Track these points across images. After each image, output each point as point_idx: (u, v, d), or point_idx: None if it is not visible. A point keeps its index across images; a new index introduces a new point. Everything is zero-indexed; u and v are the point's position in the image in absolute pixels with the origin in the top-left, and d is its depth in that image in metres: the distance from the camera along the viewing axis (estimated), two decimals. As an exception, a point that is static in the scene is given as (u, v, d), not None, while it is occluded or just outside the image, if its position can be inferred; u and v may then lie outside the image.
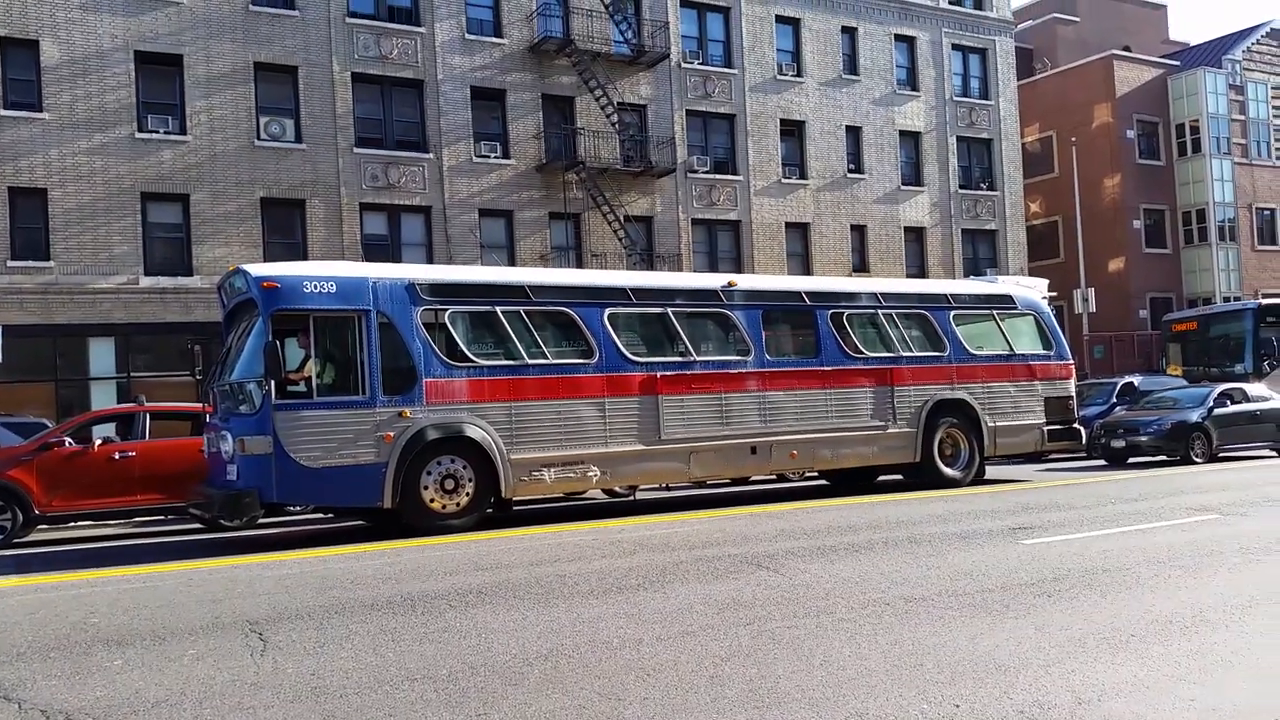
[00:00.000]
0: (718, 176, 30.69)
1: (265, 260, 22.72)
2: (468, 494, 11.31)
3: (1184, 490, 13.04)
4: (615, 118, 28.26)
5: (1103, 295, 36.86)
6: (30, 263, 22.00)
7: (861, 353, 14.10)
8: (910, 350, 14.51)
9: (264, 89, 24.75)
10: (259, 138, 24.51)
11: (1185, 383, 24.14)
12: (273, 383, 10.37)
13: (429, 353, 11.28)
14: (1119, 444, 19.12)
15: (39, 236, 22.10)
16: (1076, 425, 15.86)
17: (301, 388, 10.80)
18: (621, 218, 28.01)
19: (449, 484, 11.25)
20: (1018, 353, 15.38)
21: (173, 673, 5.13)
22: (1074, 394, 15.94)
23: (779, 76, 31.92)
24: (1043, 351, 15.64)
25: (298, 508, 12.40)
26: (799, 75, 32.34)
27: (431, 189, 26.45)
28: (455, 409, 11.33)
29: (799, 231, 32.09)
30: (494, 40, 27.54)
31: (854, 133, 33.22)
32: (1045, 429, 15.32)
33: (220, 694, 4.70)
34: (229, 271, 11.86)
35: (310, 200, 24.96)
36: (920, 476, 14.47)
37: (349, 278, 11.23)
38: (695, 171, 30.23)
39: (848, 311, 14.24)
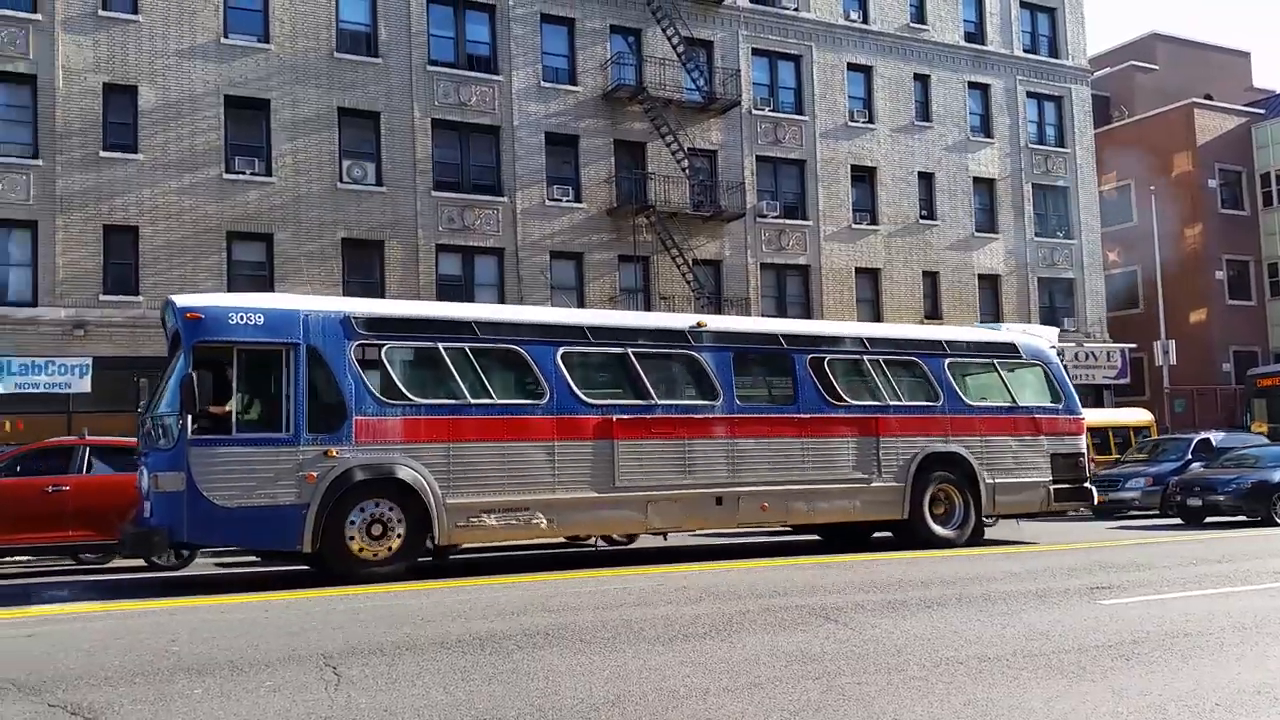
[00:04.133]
0: (787, 221, 30.75)
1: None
2: (398, 539, 10.67)
3: (1269, 553, 12.55)
4: (686, 163, 28.56)
5: (1184, 348, 35.85)
6: (120, 297, 22.90)
7: (844, 400, 13.21)
8: (899, 399, 13.58)
9: (347, 133, 25.58)
10: (341, 180, 25.30)
11: (1266, 440, 23.27)
12: (188, 417, 9.91)
13: (361, 389, 10.69)
14: (1195, 502, 18.47)
15: (129, 272, 23.02)
16: (1087, 485, 14.72)
17: (224, 423, 10.30)
18: (690, 261, 28.18)
19: (376, 529, 10.60)
20: (1021, 405, 14.34)
21: (249, 703, 5.25)
22: (1085, 450, 14.79)
23: (850, 123, 31.98)
24: (1050, 404, 14.57)
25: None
26: (870, 121, 32.36)
27: (505, 231, 26.96)
28: (387, 449, 10.72)
29: (869, 277, 31.93)
30: (568, 88, 28.11)
31: (926, 179, 33.06)
32: (1051, 487, 14.19)
33: (296, 727, 4.80)
34: (165, 302, 11.30)
35: (389, 241, 25.62)
36: (908, 535, 13.46)
37: (278, 309, 10.80)
38: (764, 216, 30.34)
39: (829, 356, 13.38)
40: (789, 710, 4.98)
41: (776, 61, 31.49)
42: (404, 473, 10.70)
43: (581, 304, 26.83)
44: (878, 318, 30.85)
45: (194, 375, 9.99)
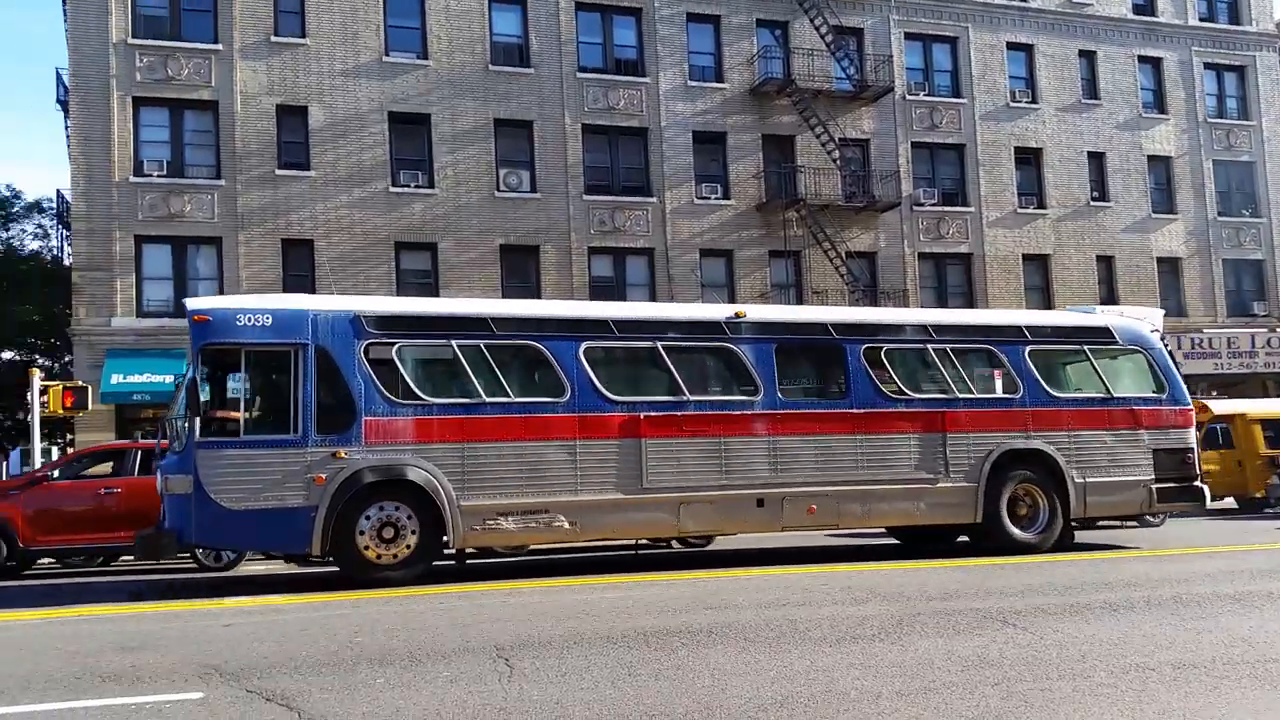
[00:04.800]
0: (946, 209, 29.74)
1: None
2: (411, 542, 10.40)
3: None
4: (836, 154, 28.03)
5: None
6: (299, 308, 24.26)
7: (904, 394, 12.19)
8: (970, 391, 12.41)
9: (502, 143, 26.33)
10: (498, 189, 26.06)
11: None
12: (196, 419, 9.92)
13: (371, 389, 10.44)
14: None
15: (306, 284, 24.36)
16: (1198, 484, 13.09)
17: (231, 425, 10.36)
18: (843, 254, 27.65)
19: (388, 532, 10.34)
20: (1116, 396, 12.87)
21: (429, 693, 5.45)
22: (1193, 445, 13.14)
23: (1012, 104, 30.65)
24: (1152, 395, 13.04)
25: None
26: (1034, 102, 30.92)
27: (654, 231, 27.15)
28: (399, 450, 10.44)
29: (1038, 264, 30.52)
30: (715, 85, 28.06)
31: (1096, 159, 31.34)
32: (1154, 487, 12.67)
33: (472, 716, 4.95)
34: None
35: (544, 246, 26.23)
36: (984, 540, 12.36)
37: (286, 310, 10.64)
38: (921, 204, 29.44)
39: (887, 346, 12.39)
40: (967, 717, 4.79)
41: (931, 45, 30.50)
42: (415, 474, 10.43)
43: (732, 301, 26.73)
44: (1048, 306, 29.42)
45: (197, 377, 10.04)
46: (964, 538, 13.23)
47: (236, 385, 10.56)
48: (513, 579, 10.83)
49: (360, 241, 24.91)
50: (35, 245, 33.08)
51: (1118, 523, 16.14)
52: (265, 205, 24.40)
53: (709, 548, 14.46)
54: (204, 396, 10.10)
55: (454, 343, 11.01)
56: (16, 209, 32.74)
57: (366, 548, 10.30)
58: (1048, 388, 12.68)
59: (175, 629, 7.84)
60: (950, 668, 5.83)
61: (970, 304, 29.01)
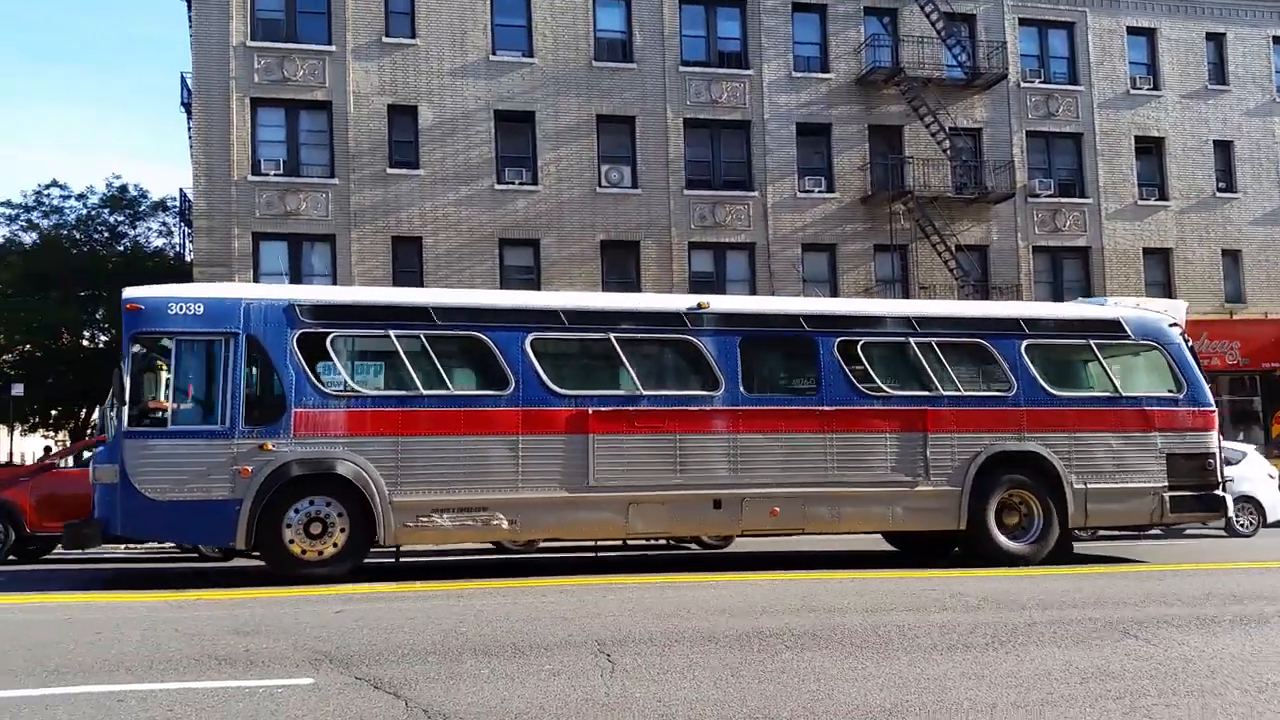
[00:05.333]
0: (1062, 200, 28.66)
1: (603, 298, 24.13)
2: (338, 540, 10.11)
3: None
4: (947, 144, 27.27)
5: None
6: (407, 302, 24.84)
7: (881, 390, 11.44)
8: (956, 389, 11.58)
9: (605, 139, 26.43)
10: (600, 185, 26.19)
11: None
12: (124, 409, 9.87)
13: (303, 380, 10.17)
14: None
15: (415, 280, 24.91)
16: (1219, 492, 11.94)
17: (160, 415, 10.20)
18: (953, 247, 26.89)
19: (315, 527, 10.06)
20: (1125, 395, 11.91)
21: (532, 685, 5.47)
22: (1215, 450, 12.02)
23: (1132, 91, 29.33)
24: (1168, 394, 12.04)
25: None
26: (1155, 88, 29.53)
27: (755, 226, 26.89)
28: (329, 443, 10.15)
29: (1159, 258, 29.17)
30: (820, 76, 27.61)
31: (1223, 148, 29.75)
32: (1167, 495, 11.64)
33: (575, 711, 4.94)
34: None
35: (644, 241, 26.25)
36: (969, 548, 11.58)
37: (218, 299, 10.49)
38: (1037, 195, 28.43)
39: (864, 339, 11.63)
40: (1090, 732, 4.55)
41: (1046, 31, 29.40)
42: (345, 468, 10.12)
43: (835, 295, 26.29)
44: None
45: (122, 367, 9.98)
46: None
47: (167, 375, 10.34)
48: (571, 575, 10.85)
49: (466, 238, 25.36)
50: (160, 242, 34.66)
51: (1134, 533, 15.05)
52: (376, 203, 25.04)
53: (727, 549, 14.06)
54: (133, 386, 10.02)
55: (392, 333, 10.71)
56: (143, 208, 34.34)
57: (292, 542, 10.04)
58: (1046, 385, 11.76)
59: (287, 615, 8.07)
60: (1069, 679, 5.57)
61: (1088, 298, 27.91)
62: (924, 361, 11.65)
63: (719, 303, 11.86)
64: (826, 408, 11.27)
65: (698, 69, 27.00)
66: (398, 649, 6.50)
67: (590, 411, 10.74)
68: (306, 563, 10.08)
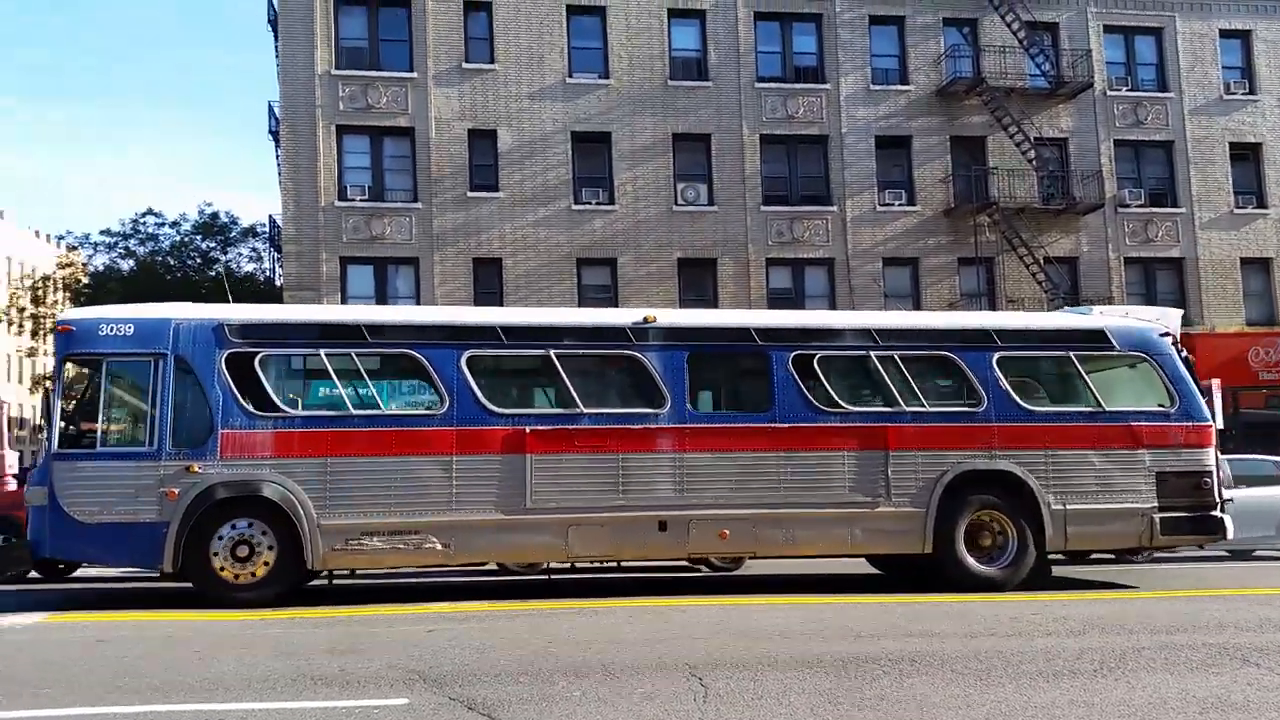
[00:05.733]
0: (1154, 210, 27.78)
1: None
2: (266, 563, 9.92)
3: None
4: (1032, 154, 26.67)
5: None
6: (487, 323, 25.15)
7: (839, 406, 10.88)
8: (920, 404, 10.97)
9: (680, 157, 26.48)
10: (676, 203, 26.22)
11: None
12: (53, 432, 9.90)
13: (230, 400, 10.00)
14: None
15: (495, 301, 25.24)
16: (1216, 513, 11.12)
17: (89, 437, 10.19)
18: (1040, 260, 26.22)
19: (242, 550, 9.87)
20: (1109, 409, 11.17)
21: (625, 709, 5.39)
22: (1212, 468, 11.20)
23: (1226, 96, 28.34)
24: (1158, 409, 11.26)
25: None
26: (1251, 93, 28.50)
27: (834, 241, 26.61)
28: (256, 465, 9.98)
29: (1259, 268, 28.09)
30: (898, 88, 27.28)
31: (1328, 151, 28.53)
32: (1156, 516, 10.89)
33: (671, 739, 4.85)
34: None
35: (721, 258, 26.18)
36: (937, 572, 10.89)
37: (148, 319, 10.33)
38: (1127, 205, 27.61)
39: (821, 354, 11.03)
40: (1218, 769, 4.30)
41: (1132, 37, 28.62)
42: (270, 490, 9.92)
43: (919, 310, 25.83)
44: (1271, 314, 26.98)
45: (57, 389, 10.08)
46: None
47: (98, 396, 10.28)
48: (639, 596, 10.72)
49: (545, 259, 25.59)
50: (250, 267, 35.80)
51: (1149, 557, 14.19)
52: (458, 226, 25.45)
53: (738, 572, 13.65)
54: (64, 408, 10.10)
55: (323, 352, 10.53)
56: (234, 234, 35.54)
57: (221, 568, 9.89)
58: (1019, 400, 11.09)
59: (380, 633, 8.15)
60: (1186, 709, 5.29)
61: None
62: (886, 376, 11.06)
63: (668, 316, 11.50)
64: (779, 425, 10.76)
65: (773, 84, 26.90)
66: (490, 669, 6.49)
67: (528, 431, 10.40)
68: (234, 586, 9.91)
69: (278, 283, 28.35)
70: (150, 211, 35.32)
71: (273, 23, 26.75)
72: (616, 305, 25.05)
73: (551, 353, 10.69)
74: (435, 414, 10.38)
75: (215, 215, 35.36)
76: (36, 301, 39.97)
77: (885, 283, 26.58)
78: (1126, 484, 11.01)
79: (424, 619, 8.96)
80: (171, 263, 34.65)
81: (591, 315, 12.60)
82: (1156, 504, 10.97)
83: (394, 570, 12.89)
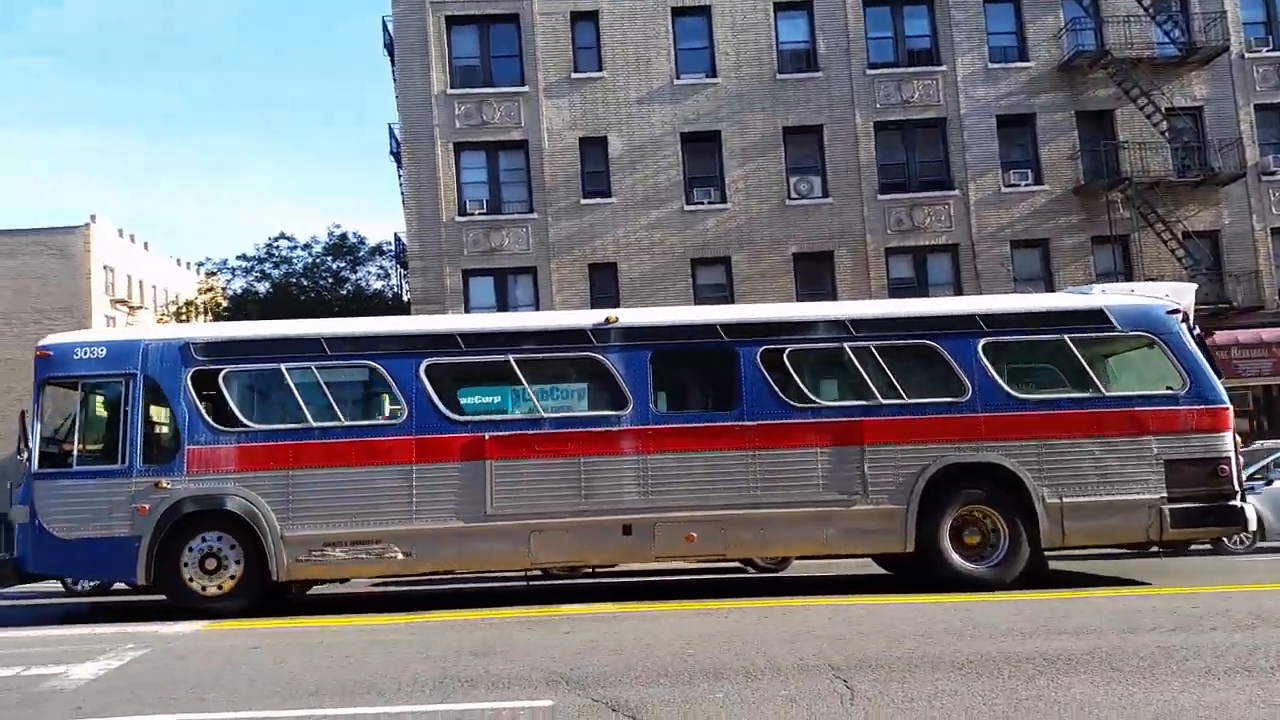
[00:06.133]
0: (1303, 176, 25.99)
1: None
2: (234, 575, 10.20)
3: None
4: (1164, 125, 25.33)
5: None
6: (606, 328, 25.36)
7: (810, 401, 10.53)
8: (899, 396, 10.50)
9: (792, 151, 26.18)
10: (789, 197, 25.92)
11: None
12: (33, 452, 10.32)
13: (195, 417, 10.36)
14: None
15: (612, 304, 25.39)
16: (1235, 503, 10.27)
17: (67, 456, 10.55)
18: (1179, 235, 24.87)
19: (210, 563, 10.20)
20: (1110, 395, 10.52)
21: (769, 712, 5.31)
22: (1229, 453, 10.31)
23: (1383, 47, 26.31)
24: (1165, 392, 10.50)
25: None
26: None
27: (957, 226, 25.84)
28: (221, 479, 10.26)
29: None
30: (1019, 65, 26.32)
31: None
32: (1165, 508, 10.15)
33: (820, 741, 4.74)
34: None
35: (838, 250, 25.74)
36: (925, 572, 10.44)
37: (119, 341, 10.93)
38: (1272, 173, 25.93)
39: (791, 348, 10.66)
40: None
41: (1273, -8, 26.89)
42: (234, 503, 10.20)
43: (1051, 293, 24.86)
44: None
45: (35, 410, 10.49)
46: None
47: (74, 417, 10.72)
48: (737, 597, 10.53)
49: (659, 260, 25.66)
50: (378, 285, 37.05)
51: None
52: (572, 233, 25.77)
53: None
54: (42, 429, 10.48)
55: (283, 366, 10.67)
56: (362, 253, 36.84)
57: (191, 579, 10.20)
58: (1007, 388, 10.51)
59: (519, 636, 8.26)
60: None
61: (1343, 281, 25.16)
62: (861, 368, 10.66)
63: (630, 316, 11.30)
64: (747, 423, 10.46)
65: (886, 70, 26.32)
66: (630, 671, 6.49)
67: (487, 437, 10.39)
68: (204, 597, 10.20)
69: (405, 298, 29.26)
70: (283, 235, 36.92)
71: (389, 48, 27.64)
72: (732, 303, 24.92)
73: (511, 358, 10.70)
74: (394, 424, 10.52)
75: (344, 236, 36.74)
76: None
77: (1014, 266, 25.67)
78: (1131, 474, 10.30)
79: (558, 621, 9.05)
80: (305, 283, 36.13)
81: (551, 319, 12.32)
82: (1165, 494, 10.23)
83: (506, 574, 13.12)
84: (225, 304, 38.52)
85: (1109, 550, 12.05)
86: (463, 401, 10.99)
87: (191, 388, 10.51)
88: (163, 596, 10.57)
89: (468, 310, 25.45)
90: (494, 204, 26.17)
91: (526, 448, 10.41)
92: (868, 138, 26.08)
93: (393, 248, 33.65)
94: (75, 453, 10.59)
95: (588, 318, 11.27)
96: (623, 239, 25.79)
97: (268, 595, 10.50)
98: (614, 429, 10.47)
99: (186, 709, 5.95)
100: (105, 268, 58.59)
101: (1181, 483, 10.26)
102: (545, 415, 10.60)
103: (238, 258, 36.74)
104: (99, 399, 10.83)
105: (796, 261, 25.78)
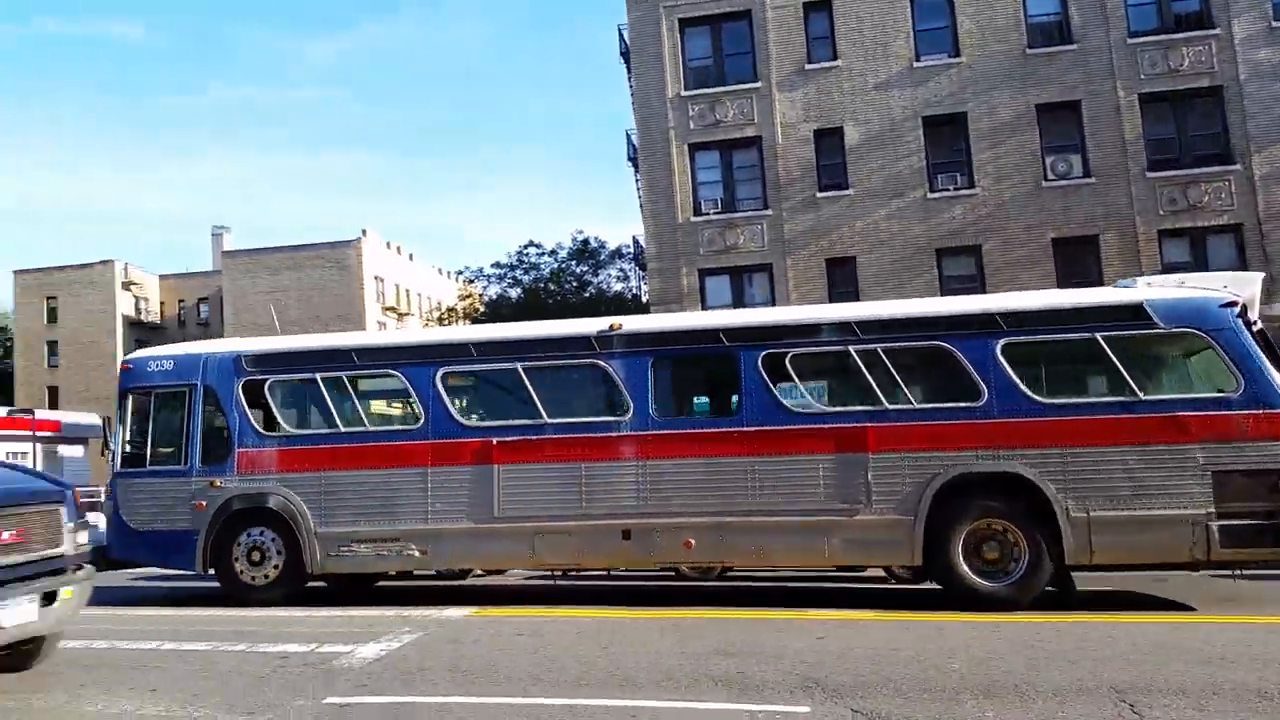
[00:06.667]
0: None
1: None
2: (275, 566, 11.15)
3: None
4: None
5: None
6: (846, 323, 24.79)
7: (812, 407, 10.24)
8: (908, 401, 9.94)
9: (1047, 130, 24.52)
10: (1045, 178, 24.31)
11: None
12: (116, 454, 11.74)
13: (244, 423, 11.42)
14: None
15: (851, 298, 24.82)
16: None
17: (143, 458, 11.73)
18: None
19: (255, 555, 11.21)
20: (1146, 398, 9.40)
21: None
22: None
23: None
24: (1214, 395, 9.28)
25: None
26: None
27: (1241, 204, 23.29)
28: (265, 479, 11.26)
29: None
30: (1313, 18, 23.37)
31: None
32: (1212, 525, 8.92)
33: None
34: None
35: (1103, 234, 23.87)
36: (942, 587, 9.77)
37: (185, 355, 12.04)
38: None
39: (794, 352, 10.33)
40: None
41: None
42: (275, 502, 11.16)
43: (1358, 275, 21.91)
44: None
45: (118, 417, 11.97)
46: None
47: (148, 423, 11.88)
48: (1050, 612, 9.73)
49: (900, 252, 24.79)
50: (619, 287, 38.15)
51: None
52: (808, 228, 25.39)
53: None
54: (124, 434, 11.81)
55: (318, 375, 11.50)
56: (603, 257, 38.07)
57: (240, 570, 11.24)
58: (1029, 391, 9.65)
59: (769, 638, 8.17)
60: None
61: None
62: (867, 372, 10.12)
63: (633, 323, 11.32)
64: (747, 429, 10.23)
65: (1150, 38, 24.12)
66: (888, 682, 6.26)
67: (494, 442, 10.77)
68: (252, 587, 11.22)
69: (643, 299, 29.93)
70: (531, 243, 38.78)
71: (625, 55, 28.33)
72: (984, 293, 23.68)
73: (519, 366, 11.04)
74: (413, 429, 11.10)
75: (586, 241, 38.12)
76: (443, 330, 45.33)
77: (1309, 246, 22.84)
78: (1172, 486, 9.23)
79: (809, 626, 8.86)
80: (551, 288, 37.77)
81: (558, 327, 12.54)
82: (1214, 510, 9.08)
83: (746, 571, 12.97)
84: (482, 309, 40.91)
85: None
86: (474, 408, 11.54)
87: (242, 396, 11.63)
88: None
89: (704, 308, 25.63)
90: (728, 203, 26.22)
91: (530, 452, 10.75)
92: (1132, 111, 23.99)
93: (631, 250, 34.52)
94: (148, 455, 11.87)
95: (593, 325, 11.32)
96: (861, 231, 25.11)
97: (304, 586, 11.44)
98: (614, 435, 10.62)
99: (452, 692, 6.30)
100: (376, 278, 63.81)
101: (1232, 496, 9.12)
102: (549, 421, 10.83)
103: (492, 265, 39.02)
104: (167, 407, 12.03)
105: (1055, 247, 24.11)
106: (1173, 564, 10.01)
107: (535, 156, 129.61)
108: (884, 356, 10.23)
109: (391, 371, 11.58)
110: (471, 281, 43.44)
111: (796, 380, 10.48)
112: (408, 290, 67.67)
